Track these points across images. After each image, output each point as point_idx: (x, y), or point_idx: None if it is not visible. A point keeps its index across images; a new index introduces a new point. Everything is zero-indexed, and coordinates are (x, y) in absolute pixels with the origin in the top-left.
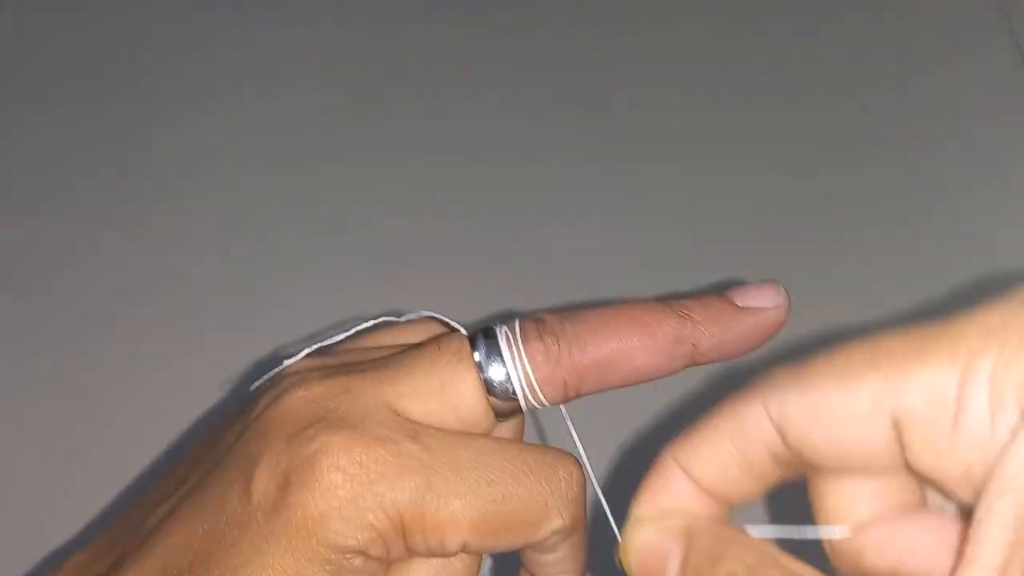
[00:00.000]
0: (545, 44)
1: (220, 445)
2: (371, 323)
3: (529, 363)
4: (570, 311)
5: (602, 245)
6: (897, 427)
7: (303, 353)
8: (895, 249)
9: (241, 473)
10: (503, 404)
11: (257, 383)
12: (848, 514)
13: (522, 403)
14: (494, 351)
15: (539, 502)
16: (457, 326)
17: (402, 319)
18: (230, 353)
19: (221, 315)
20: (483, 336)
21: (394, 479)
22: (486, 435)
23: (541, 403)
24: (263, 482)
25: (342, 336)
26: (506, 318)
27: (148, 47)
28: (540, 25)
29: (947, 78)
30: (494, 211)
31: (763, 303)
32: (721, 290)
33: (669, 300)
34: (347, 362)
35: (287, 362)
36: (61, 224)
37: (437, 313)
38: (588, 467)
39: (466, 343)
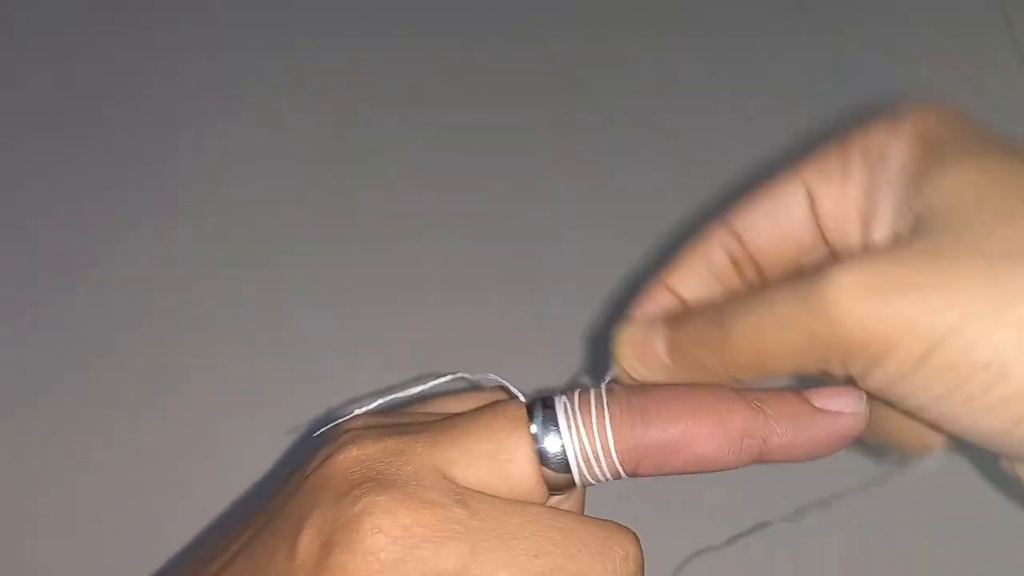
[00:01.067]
0: (556, 55)
1: (274, 502)
2: (441, 380)
3: (586, 437)
4: (638, 386)
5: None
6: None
7: (362, 409)
8: None
9: (291, 530)
10: (557, 477)
11: (317, 433)
12: None
13: (576, 478)
14: (551, 422)
15: None
16: (518, 393)
17: (461, 377)
18: (298, 409)
19: (282, 371)
20: (541, 406)
21: (438, 545)
22: (539, 504)
23: (596, 479)
24: (308, 541)
25: (404, 394)
26: (568, 387)
27: (156, 65)
28: (553, 36)
29: (947, 78)
30: (521, 234)
31: (841, 408)
32: (798, 387)
33: (743, 390)
34: (403, 423)
35: (346, 417)
36: (118, 271)
37: (503, 379)
38: None
39: (523, 411)
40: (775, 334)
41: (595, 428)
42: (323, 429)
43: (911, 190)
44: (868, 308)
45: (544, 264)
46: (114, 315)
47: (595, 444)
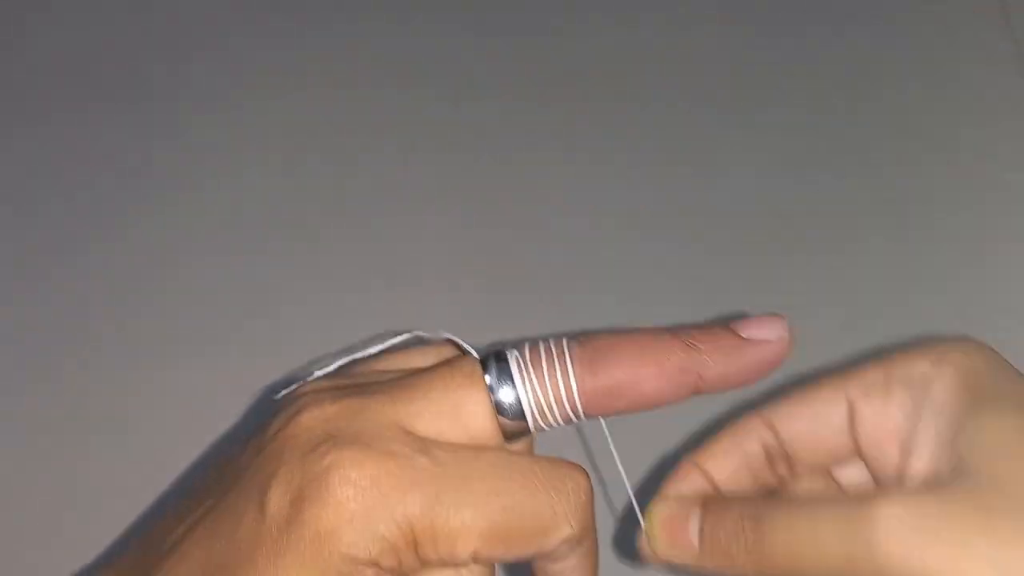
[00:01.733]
0: (556, 47)
1: (237, 464)
2: (397, 339)
3: (539, 387)
4: (581, 336)
5: (612, 255)
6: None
7: (321, 372)
8: (894, 249)
9: (257, 491)
10: (512, 425)
11: (278, 396)
12: None
13: (531, 424)
14: (505, 374)
15: (547, 511)
16: (470, 349)
17: (416, 335)
18: (252, 371)
19: (243, 332)
20: (495, 359)
21: (405, 491)
22: (496, 449)
23: (549, 425)
24: (277, 498)
25: (363, 354)
26: (518, 342)
27: (152, 51)
28: (553, 29)
29: (947, 78)
30: (509, 222)
31: (767, 336)
32: (727, 320)
33: (676, 329)
34: (360, 383)
35: (305, 381)
36: (66, 229)
37: (454, 335)
38: (622, 472)
39: (478, 366)
40: (813, 549)
41: (547, 379)
42: (283, 392)
43: (954, 427)
44: (912, 549)
45: (549, 264)
46: (76, 266)
47: (547, 393)
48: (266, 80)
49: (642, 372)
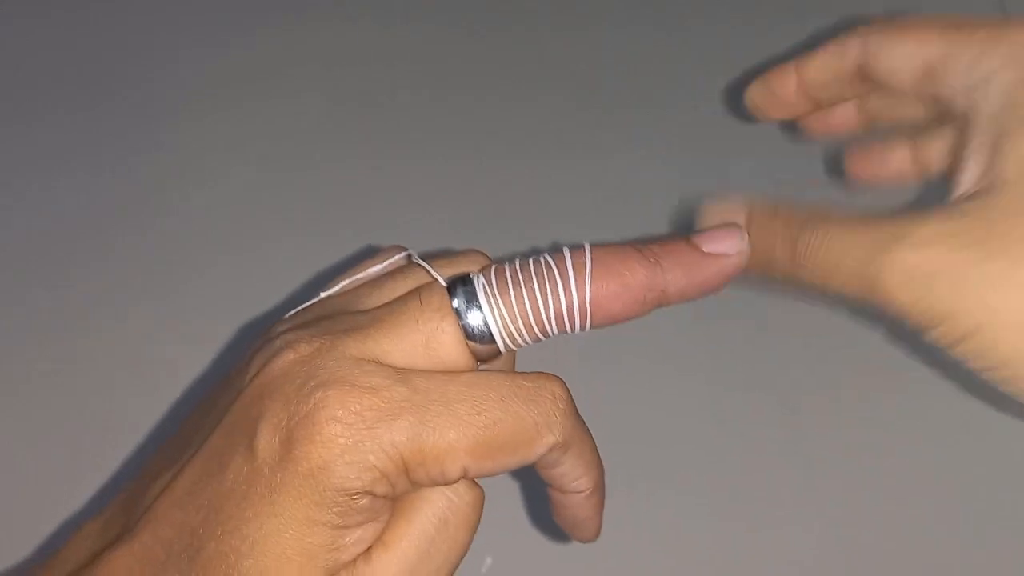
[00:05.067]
0: (544, 43)
1: (216, 409)
2: (373, 269)
3: (505, 309)
4: (544, 256)
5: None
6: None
7: (289, 314)
8: None
9: (244, 435)
10: (483, 348)
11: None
12: None
13: (500, 346)
14: (472, 299)
15: (529, 423)
16: (436, 276)
17: (380, 261)
18: (222, 315)
19: (209, 280)
20: (461, 284)
21: (390, 421)
22: (472, 370)
23: (518, 345)
24: (266, 440)
25: (325, 294)
26: (483, 266)
27: (150, 49)
28: (539, 24)
29: None
30: (485, 159)
31: (727, 249)
32: (687, 234)
33: (639, 245)
34: (332, 319)
35: (281, 320)
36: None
37: (414, 252)
38: None
39: (445, 296)
40: (838, 269)
41: (513, 302)
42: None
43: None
44: (916, 295)
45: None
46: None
47: (515, 317)
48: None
49: (608, 291)
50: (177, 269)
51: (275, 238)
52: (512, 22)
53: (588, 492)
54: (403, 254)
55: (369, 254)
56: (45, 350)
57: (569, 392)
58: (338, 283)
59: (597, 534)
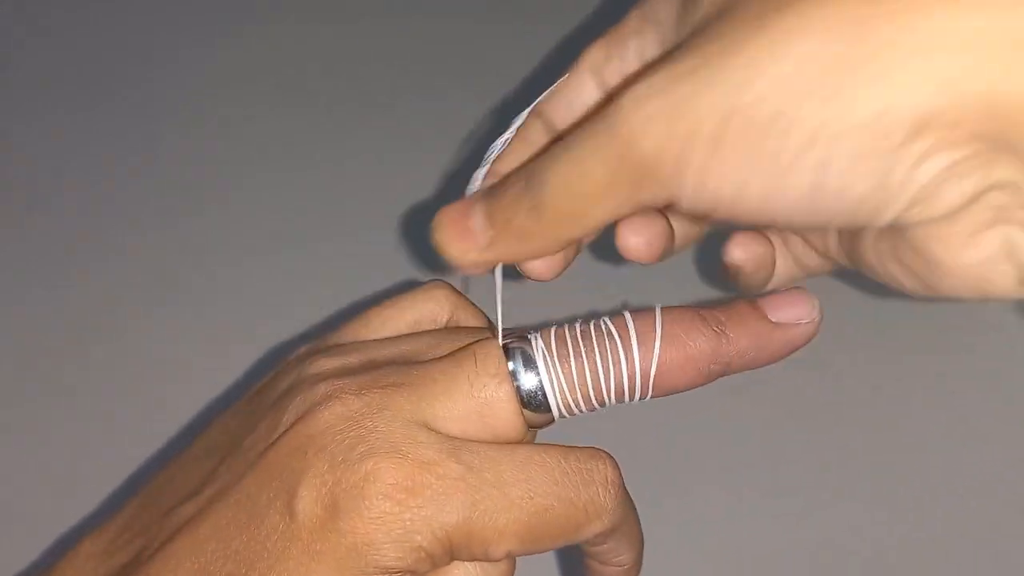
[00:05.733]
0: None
1: (249, 447)
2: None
3: (564, 378)
4: (605, 321)
5: None
6: None
7: (323, 342)
8: None
9: (283, 489)
10: (536, 417)
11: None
12: None
13: (555, 413)
14: (530, 363)
15: (579, 509)
16: (495, 333)
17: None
18: (241, 337)
19: (234, 299)
20: (519, 346)
21: (441, 503)
22: (524, 445)
23: (572, 414)
24: (309, 502)
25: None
26: (540, 327)
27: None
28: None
29: None
30: None
31: (797, 318)
32: (753, 299)
33: (704, 312)
34: (380, 369)
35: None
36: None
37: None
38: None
39: (503, 358)
40: (582, 173)
41: (574, 370)
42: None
43: (680, 12)
44: (654, 109)
45: None
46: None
47: (574, 387)
48: None
49: (672, 364)
50: (187, 278)
51: (293, 243)
52: (512, 22)
53: (628, 567)
54: (445, 290)
55: (408, 287)
56: (47, 356)
57: (620, 473)
58: (375, 318)
59: None
